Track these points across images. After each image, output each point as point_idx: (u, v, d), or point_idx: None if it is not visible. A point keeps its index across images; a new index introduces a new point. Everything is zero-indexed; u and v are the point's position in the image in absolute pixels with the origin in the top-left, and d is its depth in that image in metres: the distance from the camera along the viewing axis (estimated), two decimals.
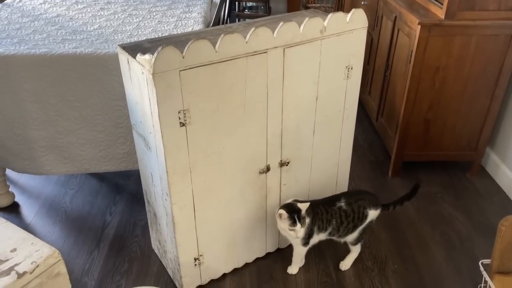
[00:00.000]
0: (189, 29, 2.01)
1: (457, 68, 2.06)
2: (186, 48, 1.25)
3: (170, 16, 2.19)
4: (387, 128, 2.43)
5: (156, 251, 1.86)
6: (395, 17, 2.29)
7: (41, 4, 2.36)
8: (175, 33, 1.95)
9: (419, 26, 1.95)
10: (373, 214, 1.73)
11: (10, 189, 2.20)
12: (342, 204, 1.68)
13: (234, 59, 1.35)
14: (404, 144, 2.27)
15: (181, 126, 1.34)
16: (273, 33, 1.40)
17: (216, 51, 1.31)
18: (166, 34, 1.94)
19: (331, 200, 1.70)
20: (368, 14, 2.84)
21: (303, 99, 1.59)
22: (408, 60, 2.11)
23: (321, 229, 1.67)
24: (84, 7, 2.31)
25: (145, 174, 1.63)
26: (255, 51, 1.39)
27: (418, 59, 2.04)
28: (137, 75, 1.35)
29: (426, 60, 2.04)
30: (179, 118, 1.33)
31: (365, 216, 1.70)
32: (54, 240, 1.96)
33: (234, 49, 1.34)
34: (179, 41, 1.47)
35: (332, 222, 1.67)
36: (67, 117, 1.82)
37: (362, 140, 2.73)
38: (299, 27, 1.45)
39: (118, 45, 1.44)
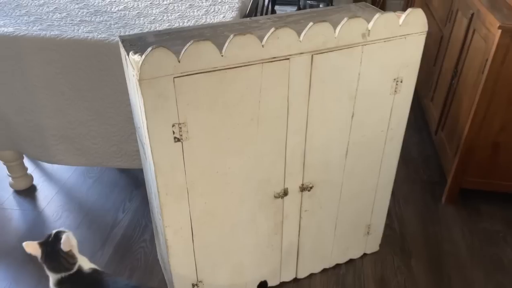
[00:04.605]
0: (221, 16, 1.76)
1: None
2: (183, 51, 1.02)
3: None
4: (447, 146, 2.06)
5: (160, 262, 1.69)
6: (472, 15, 1.88)
7: None
8: (204, 20, 1.72)
9: (500, 30, 1.56)
10: None
11: (31, 172, 2.14)
12: None
13: (245, 65, 1.10)
14: (465, 168, 1.90)
15: (175, 142, 1.12)
16: (299, 36, 1.12)
17: (222, 55, 1.06)
18: (194, 21, 1.71)
19: None
20: (442, 6, 2.42)
21: (335, 116, 1.31)
22: (482, 70, 1.72)
23: None
24: None
25: (148, 182, 1.45)
26: (274, 57, 1.12)
27: (494, 70, 1.65)
28: (130, 76, 1.14)
29: (504, 72, 1.65)
30: (173, 133, 1.11)
31: None
32: None
33: (246, 53, 1.08)
34: (189, 37, 1.24)
35: None
36: (78, 107, 1.67)
37: (416, 152, 2.36)
38: (334, 29, 1.15)
39: (119, 36, 1.23)
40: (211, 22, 1.71)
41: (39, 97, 1.66)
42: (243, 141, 1.22)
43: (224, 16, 1.76)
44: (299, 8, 3.83)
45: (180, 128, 1.11)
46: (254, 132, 1.21)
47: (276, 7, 3.98)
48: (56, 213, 1.97)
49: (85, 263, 1.28)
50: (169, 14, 1.77)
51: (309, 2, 4.00)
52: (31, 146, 1.82)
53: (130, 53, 1.08)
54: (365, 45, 1.21)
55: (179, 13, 1.79)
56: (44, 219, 1.94)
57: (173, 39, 1.22)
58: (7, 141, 1.84)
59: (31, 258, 1.77)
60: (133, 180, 2.15)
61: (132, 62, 1.06)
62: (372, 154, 1.46)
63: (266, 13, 2.24)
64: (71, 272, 1.24)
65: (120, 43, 1.21)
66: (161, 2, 1.90)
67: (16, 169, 2.03)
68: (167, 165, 1.15)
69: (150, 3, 1.89)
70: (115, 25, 1.65)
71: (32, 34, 1.56)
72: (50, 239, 1.24)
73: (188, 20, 1.72)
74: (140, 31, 1.61)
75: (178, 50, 1.06)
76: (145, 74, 1.00)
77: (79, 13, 1.76)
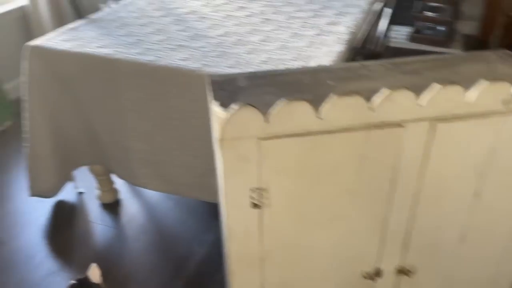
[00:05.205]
0: (326, 49, 1.57)
1: None
2: (272, 110, 0.85)
3: (310, 26, 1.78)
4: None
5: None
6: None
7: None
8: (306, 53, 1.55)
9: None
10: None
11: (118, 186, 2.15)
12: None
13: (347, 131, 0.90)
14: None
15: (253, 207, 0.97)
16: (419, 98, 0.89)
17: (319, 118, 0.88)
18: (295, 53, 1.55)
19: None
20: None
21: (454, 194, 1.05)
22: None
23: None
24: (223, 3, 2.06)
25: (223, 232, 1.31)
26: (384, 122, 0.91)
27: None
28: (214, 125, 1.01)
29: None
30: (252, 198, 0.95)
31: None
32: (134, 257, 1.82)
33: (349, 116, 0.89)
34: (284, 83, 1.08)
35: None
36: (166, 134, 1.60)
37: None
38: (466, 92, 0.90)
39: (210, 76, 1.11)
40: (314, 55, 1.53)
41: (129, 120, 1.62)
42: (333, 214, 1.02)
43: (330, 50, 1.57)
44: (416, 31, 3.48)
45: (260, 194, 0.95)
46: (348, 205, 1.01)
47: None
48: (134, 233, 1.94)
49: None
50: (269, 43, 1.63)
51: (427, 24, 3.63)
52: (118, 165, 1.80)
53: (215, 104, 0.95)
54: (506, 114, 0.94)
55: (280, 42, 1.64)
56: (122, 238, 1.92)
57: (266, 85, 1.07)
58: (98, 157, 1.85)
59: (107, 275, 1.75)
60: (213, 210, 2.04)
61: (216, 115, 0.93)
62: (496, 241, 1.17)
63: (380, 47, 2.00)
64: None
65: (208, 84, 1.08)
66: (263, 28, 1.77)
67: (104, 183, 2.05)
68: (241, 231, 1.00)
69: (252, 29, 1.76)
70: (211, 53, 1.55)
71: (128, 57, 1.52)
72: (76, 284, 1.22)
73: (289, 51, 1.56)
74: (236, 62, 1.49)
75: (269, 102, 0.90)
76: (227, 134, 0.86)
77: (179, 36, 1.70)
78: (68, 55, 1.58)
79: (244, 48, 1.59)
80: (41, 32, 2.87)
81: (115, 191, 2.11)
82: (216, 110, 0.92)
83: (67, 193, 2.15)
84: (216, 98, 0.99)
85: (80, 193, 2.17)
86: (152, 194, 2.16)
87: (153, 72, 1.48)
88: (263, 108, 0.88)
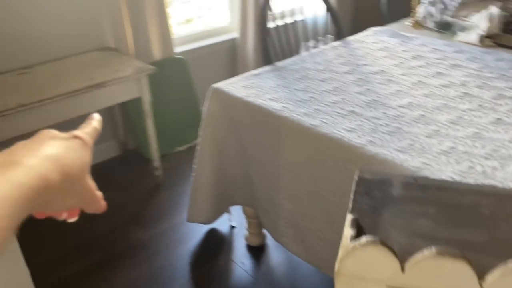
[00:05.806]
0: None
1: None
2: (413, 258, 0.64)
3: None
4: None
5: None
6: None
7: (376, 50, 2.02)
8: (506, 151, 1.21)
9: None
10: None
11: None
12: None
13: None
14: None
15: None
16: None
17: (481, 286, 0.62)
18: (490, 148, 1.23)
19: None
20: None
21: None
22: None
23: None
24: (419, 66, 1.82)
25: None
26: None
27: None
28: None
29: None
30: None
31: None
32: None
33: None
34: (452, 205, 0.83)
35: None
36: (314, 202, 1.47)
37: None
38: None
39: (359, 169, 0.94)
40: None
41: (282, 177, 1.55)
42: None
43: None
44: None
45: None
46: None
47: None
48: (267, 285, 1.86)
49: None
50: (459, 127, 1.34)
51: None
52: (265, 215, 1.76)
53: (349, 217, 0.78)
54: None
55: (475, 129, 1.33)
56: (253, 285, 1.86)
57: (426, 203, 0.84)
58: (250, 201, 1.85)
59: None
60: None
61: (344, 235, 0.76)
62: None
63: None
64: None
65: (355, 181, 0.91)
66: (458, 105, 1.48)
67: (253, 226, 2.03)
68: None
69: (444, 104, 1.49)
70: (383, 128, 1.35)
71: (293, 117, 1.45)
72: None
73: (483, 143, 1.25)
74: (408, 145, 1.26)
75: (420, 232, 0.69)
76: (347, 269, 0.68)
77: (355, 99, 1.55)
78: (240, 102, 1.61)
79: (425, 128, 1.34)
80: (244, 65, 3.09)
81: (262, 236, 2.08)
82: (345, 229, 0.75)
83: (222, 223, 2.22)
84: (355, 207, 0.82)
85: (233, 227, 2.22)
86: None
87: (312, 138, 1.38)
88: (408, 240, 0.68)
